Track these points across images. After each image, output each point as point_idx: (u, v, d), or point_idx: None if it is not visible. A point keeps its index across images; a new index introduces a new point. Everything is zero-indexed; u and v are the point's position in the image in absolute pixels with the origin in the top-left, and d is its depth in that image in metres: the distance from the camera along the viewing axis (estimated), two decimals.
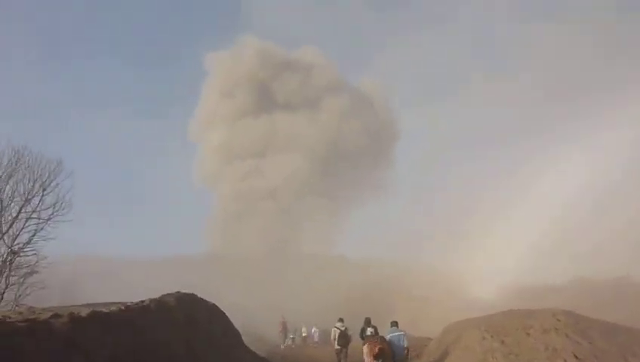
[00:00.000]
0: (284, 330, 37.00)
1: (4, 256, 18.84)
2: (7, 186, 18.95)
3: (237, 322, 22.80)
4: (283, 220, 64.26)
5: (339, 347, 19.44)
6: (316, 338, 38.20)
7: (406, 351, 16.53)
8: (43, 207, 19.30)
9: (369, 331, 17.09)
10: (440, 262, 61.90)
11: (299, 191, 64.44)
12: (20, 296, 18.64)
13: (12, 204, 18.91)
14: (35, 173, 19.64)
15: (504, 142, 74.18)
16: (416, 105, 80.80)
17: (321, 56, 73.04)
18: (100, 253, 59.18)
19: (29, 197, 19.21)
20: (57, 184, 19.59)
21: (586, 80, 73.70)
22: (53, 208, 19.50)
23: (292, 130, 67.53)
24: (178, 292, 18.63)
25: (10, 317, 9.89)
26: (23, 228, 18.95)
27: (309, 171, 65.02)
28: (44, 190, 19.56)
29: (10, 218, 18.91)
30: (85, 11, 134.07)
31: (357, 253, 64.48)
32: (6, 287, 18.54)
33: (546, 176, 64.47)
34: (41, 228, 19.14)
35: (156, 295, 17.02)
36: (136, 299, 15.08)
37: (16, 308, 17.13)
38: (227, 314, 21.88)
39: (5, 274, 18.81)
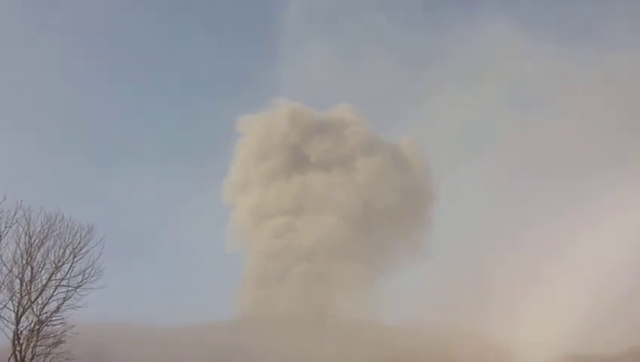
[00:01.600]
0: None
1: (32, 325, 19.12)
2: (39, 253, 19.72)
3: None
4: (317, 283, 64.48)
5: None
6: None
7: None
8: (73, 274, 19.93)
9: None
10: (482, 329, 59.10)
11: (333, 254, 65.09)
12: None
13: (42, 271, 19.61)
14: (66, 239, 20.37)
15: (546, 204, 71.61)
16: (453, 164, 79.60)
17: (354, 114, 74.65)
18: (129, 319, 59.58)
19: (59, 264, 19.86)
20: (88, 251, 20.26)
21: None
22: (83, 275, 20.07)
23: (326, 190, 69.00)
24: None
25: None
26: (52, 296, 19.55)
27: (343, 232, 65.75)
28: (74, 257, 20.28)
29: (40, 285, 19.43)
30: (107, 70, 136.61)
31: (394, 318, 62.67)
32: (32, 358, 18.87)
33: (597, 238, 61.43)
34: (70, 296, 19.84)
35: None
36: None
37: None
38: None
39: (32, 345, 19.10)
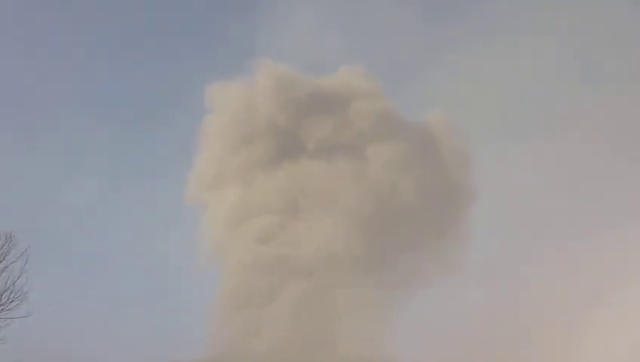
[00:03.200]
0: None
1: None
2: None
3: None
4: (315, 307, 53.27)
5: None
6: None
7: None
8: None
9: None
10: None
11: (336, 268, 53.31)
12: None
13: None
14: None
15: (619, 206, 58.06)
16: (497, 150, 65.53)
17: (365, 80, 61.31)
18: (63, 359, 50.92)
19: None
20: (6, 266, 17.49)
21: None
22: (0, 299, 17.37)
23: (327, 184, 56.46)
24: None
25: None
26: None
27: (349, 241, 53.50)
28: None
29: None
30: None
31: (411, 355, 52.57)
32: None
33: None
34: None
35: None
36: None
37: None
38: None
39: None
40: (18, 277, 17.58)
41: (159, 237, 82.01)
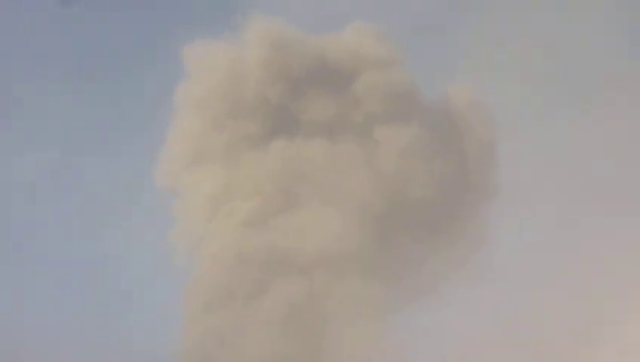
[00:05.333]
0: None
1: None
2: None
3: None
4: (312, 311, 47.23)
5: None
6: None
7: None
8: None
9: None
10: None
11: (339, 267, 47.58)
12: None
13: None
14: None
15: None
16: (524, 134, 60.50)
17: (377, 44, 54.40)
18: None
19: None
20: None
21: None
22: None
23: (328, 170, 50.40)
24: None
25: None
26: None
27: (355, 238, 47.60)
28: None
29: None
30: None
31: None
32: None
33: None
34: None
35: None
36: None
37: None
38: None
39: None
40: None
41: (119, 224, 74.84)
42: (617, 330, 49.02)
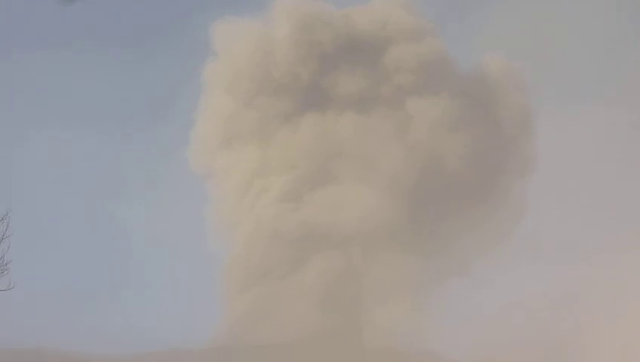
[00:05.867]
0: None
1: None
2: None
3: None
4: (348, 287, 47.87)
5: None
6: None
7: None
8: None
9: None
10: None
11: (373, 244, 47.96)
12: None
13: None
14: None
15: None
16: (569, 105, 59.00)
17: (406, 14, 54.22)
18: (58, 346, 46.10)
19: None
20: None
21: None
22: None
23: (362, 144, 50.45)
24: None
25: None
26: None
27: (390, 213, 47.84)
28: None
29: None
30: None
31: (459, 351, 46.59)
32: None
33: None
34: None
35: None
36: None
37: None
38: None
39: None
40: None
41: (150, 205, 75.49)
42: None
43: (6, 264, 13.64)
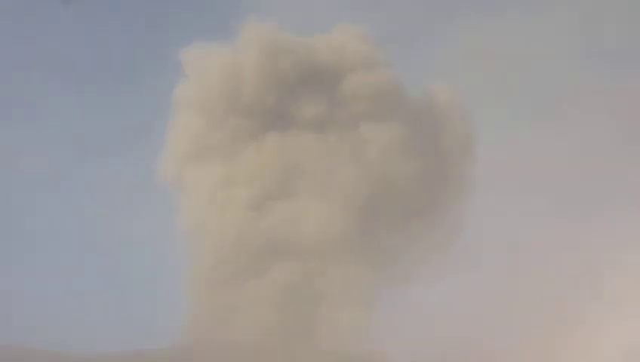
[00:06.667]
0: None
1: None
2: None
3: None
4: (301, 293, 51.93)
5: None
6: None
7: None
8: None
9: None
10: None
11: (328, 254, 52.07)
12: None
13: None
14: None
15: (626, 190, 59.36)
16: (498, 131, 66.19)
17: (361, 44, 59.26)
18: (18, 342, 48.77)
19: None
20: None
21: None
22: None
23: (320, 163, 54.80)
24: None
25: None
26: None
27: (345, 227, 52.41)
28: None
29: None
30: None
31: (402, 353, 51.28)
32: None
33: None
34: None
35: None
36: None
37: None
38: None
39: None
40: None
41: (126, 214, 79.81)
42: (584, 306, 54.11)
43: None
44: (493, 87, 72.34)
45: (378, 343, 52.05)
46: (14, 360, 46.54)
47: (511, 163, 63.95)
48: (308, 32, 62.83)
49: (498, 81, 73.69)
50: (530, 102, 74.97)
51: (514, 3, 79.49)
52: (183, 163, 57.35)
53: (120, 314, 62.73)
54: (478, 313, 52.88)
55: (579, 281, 54.98)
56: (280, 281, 51.80)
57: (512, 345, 50.27)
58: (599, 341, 49.20)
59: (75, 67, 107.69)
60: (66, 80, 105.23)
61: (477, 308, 55.26)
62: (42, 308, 62.76)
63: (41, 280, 72.93)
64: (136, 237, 78.00)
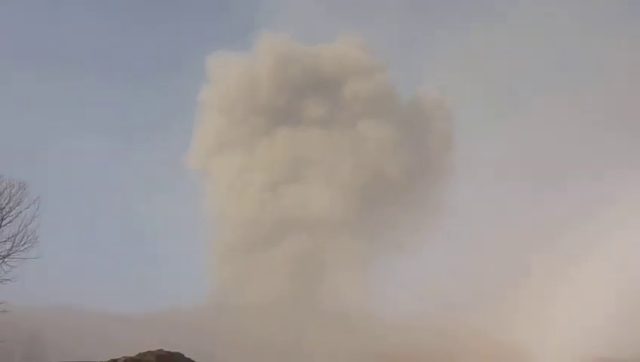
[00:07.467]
0: None
1: None
2: None
3: None
4: (308, 261, 61.37)
5: None
6: None
7: None
8: (0, 240, 18.27)
9: None
10: (495, 328, 57.46)
11: (331, 230, 61.85)
12: None
13: None
14: None
15: (581, 177, 67.65)
16: (476, 128, 74.65)
17: (361, 53, 69.05)
18: (78, 304, 58.04)
19: None
20: (19, 212, 18.49)
21: None
22: (13, 242, 18.30)
23: (324, 155, 64.94)
24: (160, 350, 18.98)
25: None
26: None
27: (345, 207, 62.28)
28: (1, 219, 18.04)
29: None
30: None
31: (391, 312, 60.68)
32: None
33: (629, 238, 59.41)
34: None
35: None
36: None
37: None
38: None
39: None
40: (30, 223, 18.61)
41: (158, 196, 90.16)
42: (542, 280, 61.05)
43: (36, 238, 17.74)
44: (476, 90, 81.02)
45: (371, 303, 61.21)
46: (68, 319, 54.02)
47: (486, 156, 72.94)
48: (315, 40, 73.50)
49: (479, 85, 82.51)
50: (506, 105, 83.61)
51: (494, 16, 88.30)
52: (208, 155, 67.07)
53: (157, 280, 73.50)
54: (455, 276, 62.12)
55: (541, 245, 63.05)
56: (290, 252, 61.16)
57: (491, 304, 58.37)
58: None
59: (120, 69, 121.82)
60: (114, 79, 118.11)
61: (454, 272, 63.96)
62: (94, 273, 72.78)
63: (95, 249, 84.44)
64: (171, 216, 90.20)
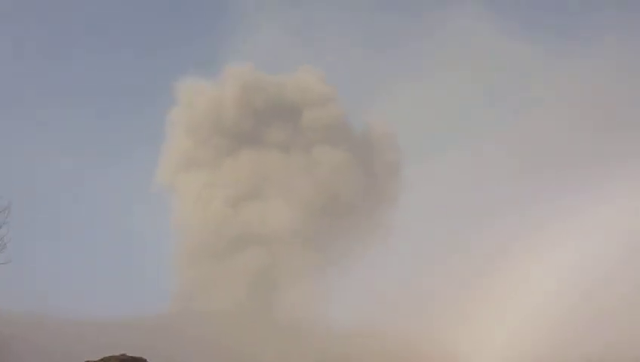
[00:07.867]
0: None
1: None
2: None
3: None
4: (266, 273, 66.49)
5: None
6: None
7: None
8: None
9: None
10: (438, 334, 60.45)
11: (287, 243, 67.42)
12: None
13: None
14: None
15: (521, 203, 75.15)
16: (423, 155, 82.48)
17: (319, 84, 75.85)
18: (40, 309, 58.73)
19: None
20: None
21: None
22: None
23: (283, 175, 71.19)
24: (123, 354, 18.65)
25: None
26: None
27: (301, 223, 68.27)
28: None
29: None
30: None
31: (345, 321, 64.97)
32: None
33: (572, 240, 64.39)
34: None
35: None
36: None
37: None
38: None
39: None
40: None
41: (127, 209, 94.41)
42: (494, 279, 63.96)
43: (5, 243, 18.81)
44: (421, 121, 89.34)
45: (322, 310, 65.87)
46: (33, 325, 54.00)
47: (428, 181, 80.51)
48: (277, 70, 79.84)
49: (424, 116, 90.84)
50: (447, 135, 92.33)
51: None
52: (175, 172, 72.45)
53: (122, 287, 76.70)
54: (399, 286, 66.95)
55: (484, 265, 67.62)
56: (249, 264, 66.19)
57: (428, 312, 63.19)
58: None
59: (93, 92, 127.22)
60: (85, 104, 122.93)
61: (398, 282, 68.49)
62: (62, 280, 75.44)
63: (65, 258, 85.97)
64: (138, 227, 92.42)
